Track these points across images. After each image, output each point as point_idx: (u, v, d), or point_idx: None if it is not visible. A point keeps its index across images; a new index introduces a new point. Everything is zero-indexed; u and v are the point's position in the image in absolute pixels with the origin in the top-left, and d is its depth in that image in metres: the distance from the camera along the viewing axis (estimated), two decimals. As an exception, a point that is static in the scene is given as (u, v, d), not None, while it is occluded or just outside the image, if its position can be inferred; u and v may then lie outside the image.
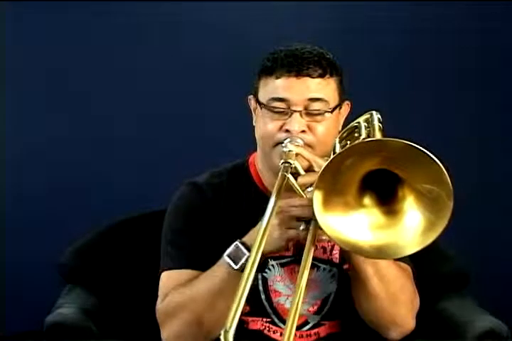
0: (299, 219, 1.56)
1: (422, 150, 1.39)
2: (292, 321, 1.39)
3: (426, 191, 1.43)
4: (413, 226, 1.45)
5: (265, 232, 1.44)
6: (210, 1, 2.86)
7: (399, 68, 2.91)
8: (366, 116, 1.71)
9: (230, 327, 1.28)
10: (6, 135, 2.91)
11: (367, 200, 1.50)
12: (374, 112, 1.71)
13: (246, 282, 1.34)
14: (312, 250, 1.52)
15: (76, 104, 2.90)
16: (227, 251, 1.61)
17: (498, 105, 2.94)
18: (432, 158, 1.38)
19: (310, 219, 1.54)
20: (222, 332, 1.28)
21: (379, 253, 1.48)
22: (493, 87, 2.93)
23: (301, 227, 1.55)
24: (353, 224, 1.47)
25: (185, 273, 1.72)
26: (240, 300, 1.30)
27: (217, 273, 1.63)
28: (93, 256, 2.11)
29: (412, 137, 1.42)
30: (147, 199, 2.30)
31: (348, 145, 1.46)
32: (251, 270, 1.36)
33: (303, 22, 2.86)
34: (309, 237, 1.53)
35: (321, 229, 1.51)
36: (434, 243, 2.04)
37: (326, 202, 1.45)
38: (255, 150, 1.82)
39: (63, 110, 2.91)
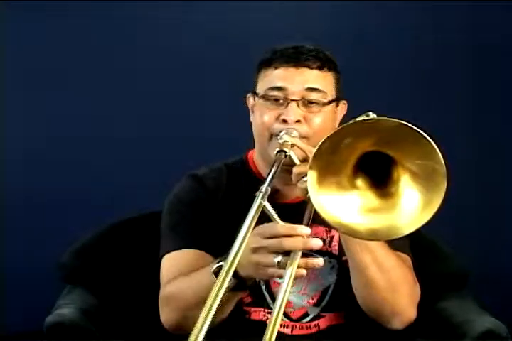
0: (275, 253, 1.47)
1: (413, 128, 1.41)
2: (279, 309, 1.38)
3: (420, 169, 1.45)
4: (409, 207, 1.46)
5: (239, 251, 1.37)
6: (210, 0, 2.86)
7: (399, 68, 2.91)
8: (362, 117, 1.72)
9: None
10: (6, 134, 2.91)
11: (360, 183, 1.51)
12: (370, 113, 1.71)
13: (214, 301, 1.29)
14: (292, 279, 1.44)
15: (76, 104, 2.90)
16: (214, 268, 1.56)
17: (497, 105, 2.94)
18: (421, 133, 1.40)
19: (287, 252, 1.46)
20: None
21: (373, 234, 1.48)
22: (494, 86, 2.92)
23: (277, 260, 1.46)
24: (346, 206, 1.48)
25: (185, 253, 1.74)
26: (205, 320, 1.25)
27: (203, 281, 1.59)
28: (93, 257, 2.11)
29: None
30: (147, 200, 2.29)
31: (342, 126, 1.46)
32: (220, 288, 1.31)
33: (303, 22, 2.86)
34: (288, 272, 1.45)
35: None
36: (434, 243, 2.08)
37: (320, 182, 1.45)
38: (253, 148, 1.83)
39: (63, 110, 2.91)
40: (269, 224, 1.48)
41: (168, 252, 1.76)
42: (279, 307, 1.38)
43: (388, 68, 2.89)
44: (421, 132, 1.40)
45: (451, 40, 2.88)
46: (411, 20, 2.89)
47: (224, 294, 1.31)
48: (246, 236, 1.38)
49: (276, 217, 1.48)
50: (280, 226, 1.47)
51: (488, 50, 2.88)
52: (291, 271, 1.43)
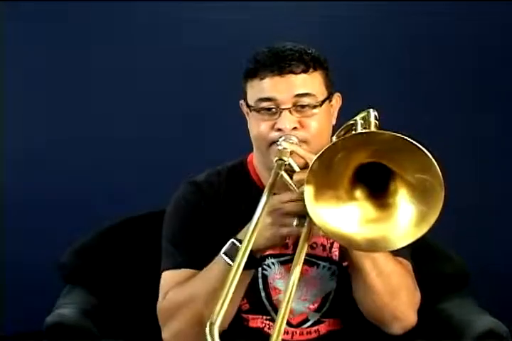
0: (292, 215, 1.56)
1: (410, 141, 1.40)
2: (282, 317, 1.40)
3: (417, 182, 1.44)
4: (405, 219, 1.46)
5: (255, 228, 1.45)
6: (210, 0, 2.86)
7: (399, 68, 2.91)
8: (363, 113, 1.72)
9: (216, 319, 1.29)
10: (6, 135, 2.91)
11: (359, 194, 1.51)
12: (371, 110, 1.72)
13: (234, 276, 1.37)
14: (306, 245, 1.53)
15: (76, 104, 2.90)
16: (224, 249, 1.62)
17: (498, 105, 2.94)
18: (419, 148, 1.39)
19: (304, 215, 1.54)
20: (207, 324, 1.30)
21: (371, 246, 1.49)
22: (494, 87, 2.92)
23: (294, 223, 1.56)
24: (345, 218, 1.48)
25: (185, 273, 1.73)
26: (227, 293, 1.33)
27: (214, 270, 1.63)
28: (93, 256, 2.11)
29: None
30: (147, 200, 2.30)
31: (338, 139, 1.46)
32: (239, 265, 1.39)
33: (302, 22, 2.86)
34: (304, 231, 1.54)
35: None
36: (435, 244, 2.08)
37: (318, 196, 1.45)
38: (253, 150, 1.82)
39: (63, 110, 2.91)
40: (286, 192, 1.59)
41: (168, 269, 1.76)
42: (282, 316, 1.40)
43: (389, 68, 2.90)
44: (418, 145, 1.39)
45: (451, 41, 2.88)
46: (411, 20, 2.88)
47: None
48: (263, 209, 1.50)
49: (293, 185, 1.58)
50: (293, 192, 1.58)
51: (490, 50, 2.88)
52: (293, 279, 1.47)
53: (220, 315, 1.31)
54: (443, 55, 2.89)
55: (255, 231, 1.45)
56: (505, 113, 2.93)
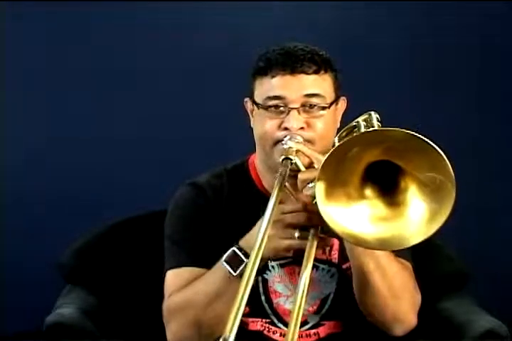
0: (293, 226, 1.55)
1: (423, 139, 1.39)
2: (294, 325, 1.38)
3: (428, 180, 1.44)
4: (416, 217, 1.46)
5: (262, 241, 1.39)
6: (210, 0, 2.86)
7: (399, 69, 2.91)
8: (365, 116, 1.72)
9: (229, 335, 1.24)
10: (6, 135, 2.91)
11: (369, 192, 1.50)
12: (373, 112, 1.71)
13: (244, 291, 1.29)
14: (312, 257, 1.51)
15: (76, 104, 2.90)
16: (225, 256, 1.60)
17: (499, 105, 2.94)
18: (432, 146, 1.39)
19: (306, 226, 1.53)
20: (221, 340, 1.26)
21: (382, 244, 1.48)
22: (496, 86, 2.92)
23: (296, 235, 1.54)
24: (355, 216, 1.47)
25: (188, 271, 1.72)
26: (239, 308, 1.26)
27: (215, 277, 1.63)
28: (93, 256, 2.12)
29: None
30: (147, 199, 2.30)
31: (349, 137, 1.45)
32: (248, 280, 1.31)
33: (303, 22, 2.86)
34: (309, 245, 1.52)
35: (321, 235, 1.53)
36: (434, 243, 2.08)
37: (329, 194, 1.44)
38: (255, 150, 1.82)
39: (63, 110, 2.91)
40: (288, 202, 1.56)
41: (172, 268, 1.75)
42: (295, 320, 1.39)
43: (388, 68, 2.89)
44: (432, 144, 1.39)
45: (452, 40, 2.88)
46: (411, 19, 2.89)
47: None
48: (270, 220, 1.44)
49: (294, 193, 1.57)
50: (293, 202, 1.56)
51: (490, 49, 2.88)
52: (304, 282, 1.46)
53: (233, 331, 1.24)
54: (444, 54, 2.89)
55: (262, 245, 1.39)
56: (506, 112, 2.93)
